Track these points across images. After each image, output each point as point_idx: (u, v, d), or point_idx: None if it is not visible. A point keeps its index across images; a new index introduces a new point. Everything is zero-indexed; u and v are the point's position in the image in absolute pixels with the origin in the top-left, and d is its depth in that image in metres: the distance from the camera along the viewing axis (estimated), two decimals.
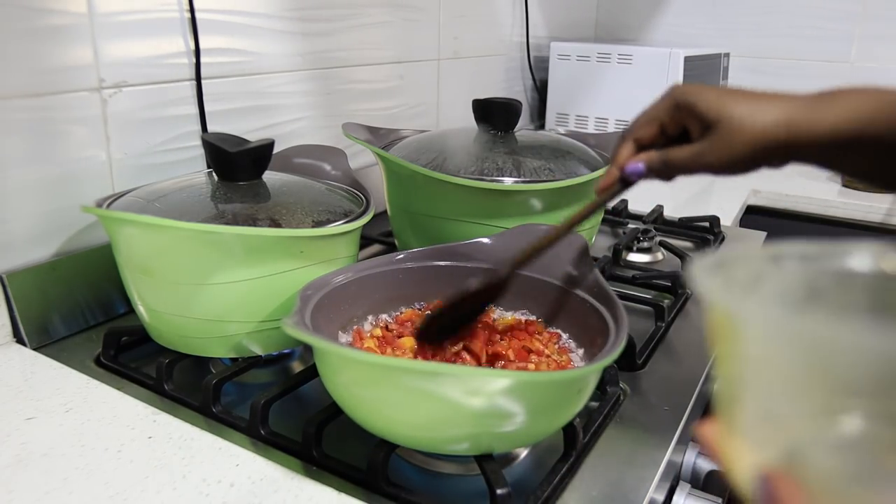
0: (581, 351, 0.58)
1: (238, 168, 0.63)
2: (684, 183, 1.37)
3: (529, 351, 0.57)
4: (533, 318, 0.63)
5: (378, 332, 0.60)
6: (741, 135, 0.46)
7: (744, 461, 0.22)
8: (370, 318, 0.62)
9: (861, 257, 0.24)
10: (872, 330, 0.18)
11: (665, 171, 0.51)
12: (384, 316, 0.63)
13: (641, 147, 0.52)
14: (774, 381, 0.21)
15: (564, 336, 0.61)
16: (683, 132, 0.51)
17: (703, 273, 0.22)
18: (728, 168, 0.48)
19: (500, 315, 0.64)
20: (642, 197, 1.23)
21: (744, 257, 0.25)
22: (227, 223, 0.57)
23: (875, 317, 0.25)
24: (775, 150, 0.46)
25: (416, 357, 0.55)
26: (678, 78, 1.41)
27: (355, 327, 0.61)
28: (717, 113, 0.47)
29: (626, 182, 0.52)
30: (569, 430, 0.51)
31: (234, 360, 0.63)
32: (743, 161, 0.47)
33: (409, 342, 0.57)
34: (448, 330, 0.57)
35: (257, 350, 0.61)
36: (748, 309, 0.21)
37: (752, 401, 0.22)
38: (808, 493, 0.20)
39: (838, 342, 0.19)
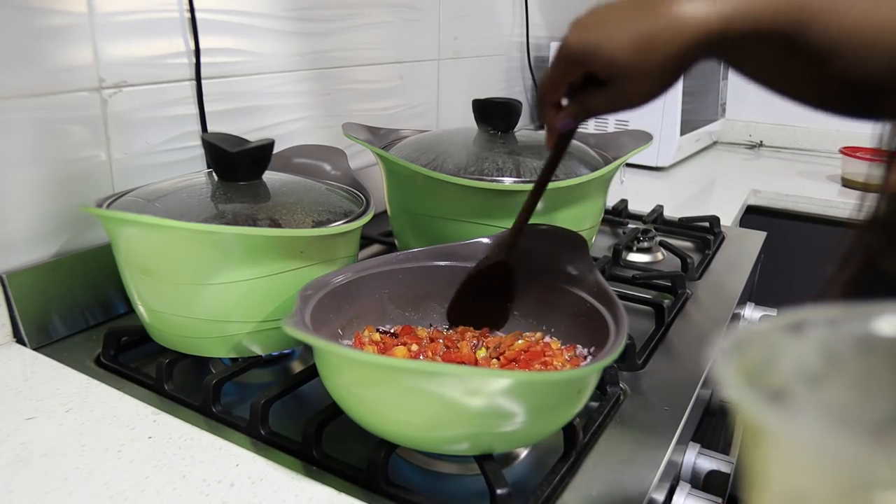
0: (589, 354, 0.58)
1: (238, 168, 0.63)
2: (684, 183, 1.37)
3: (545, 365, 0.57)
4: (549, 339, 0.62)
5: (377, 336, 0.60)
6: (644, 79, 0.47)
7: None
8: (369, 320, 0.62)
9: (883, 321, 0.23)
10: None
11: (588, 117, 0.54)
12: (383, 327, 0.64)
13: (558, 105, 0.55)
14: (794, 489, 0.21)
15: (580, 347, 0.60)
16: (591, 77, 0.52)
17: (728, 371, 0.21)
18: (646, 99, 0.50)
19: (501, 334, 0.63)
20: (642, 197, 1.23)
21: (759, 333, 0.24)
22: (227, 223, 0.57)
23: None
24: (689, 59, 0.47)
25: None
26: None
27: (355, 332, 0.61)
28: (616, 69, 0.47)
29: (563, 136, 0.56)
30: (569, 430, 0.51)
31: (234, 360, 0.63)
32: (658, 86, 0.48)
33: (401, 352, 0.57)
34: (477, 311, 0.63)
35: (257, 350, 0.61)
36: (773, 423, 0.20)
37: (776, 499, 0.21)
38: None
39: (858, 465, 0.19)
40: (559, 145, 0.56)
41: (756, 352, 0.23)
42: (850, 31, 0.41)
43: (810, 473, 0.20)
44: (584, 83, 0.51)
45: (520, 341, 0.60)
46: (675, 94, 1.42)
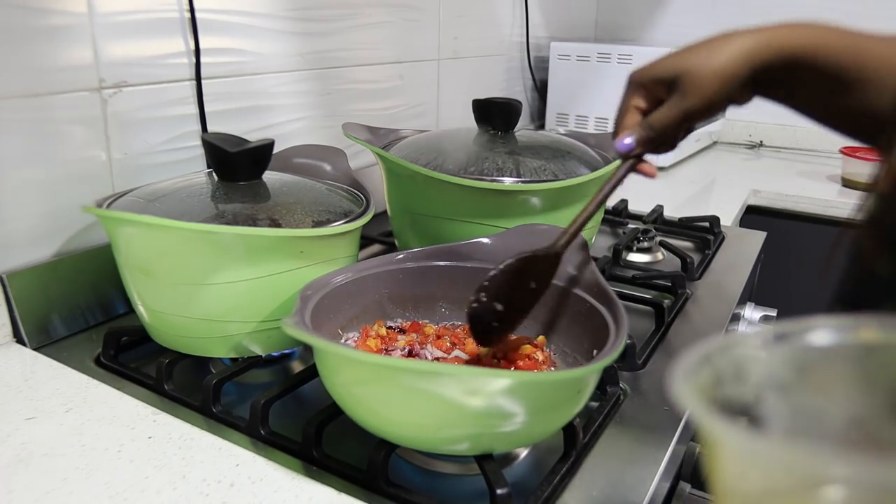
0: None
1: (238, 168, 0.63)
2: (684, 183, 1.37)
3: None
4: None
5: (383, 331, 0.60)
6: (703, 74, 0.50)
7: None
8: (369, 320, 0.62)
9: (835, 331, 0.25)
10: (827, 455, 0.19)
11: (653, 136, 0.54)
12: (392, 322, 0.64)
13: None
14: (749, 492, 0.22)
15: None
16: (660, 104, 0.54)
17: (684, 379, 0.23)
18: (704, 109, 0.51)
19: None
20: (642, 197, 1.23)
21: (727, 346, 0.26)
22: (227, 223, 0.57)
23: (861, 387, 0.26)
24: (738, 82, 0.50)
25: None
26: None
27: (363, 325, 0.61)
28: (675, 68, 0.51)
29: (625, 158, 0.55)
30: (569, 430, 0.51)
31: (234, 360, 0.63)
32: (714, 97, 0.50)
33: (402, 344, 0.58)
34: (501, 321, 0.57)
35: (257, 350, 0.61)
36: (720, 432, 0.22)
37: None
38: None
39: (808, 468, 0.20)
40: (616, 175, 0.56)
41: (724, 364, 0.25)
42: (875, 66, 0.46)
43: (758, 476, 0.22)
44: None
45: (528, 346, 0.60)
46: None
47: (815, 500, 0.21)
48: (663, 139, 0.54)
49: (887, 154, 0.35)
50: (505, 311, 0.56)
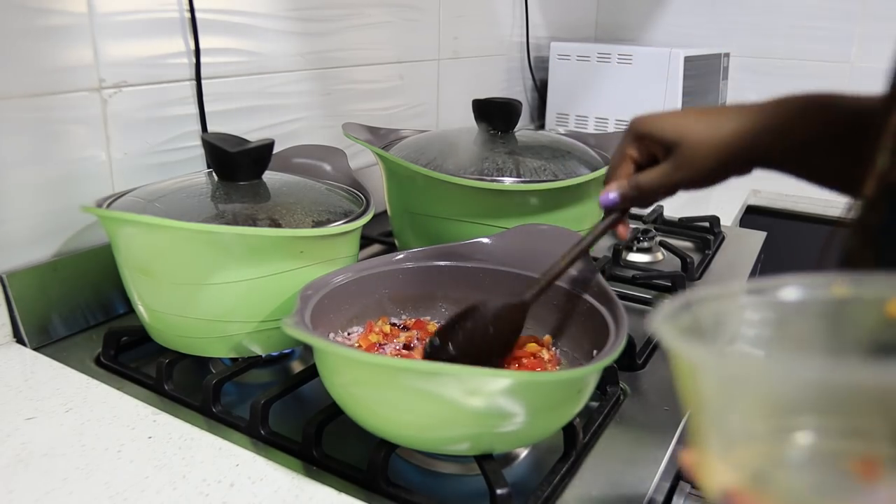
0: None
1: (238, 168, 0.63)
2: None
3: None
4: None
5: (387, 328, 0.61)
6: (701, 149, 0.49)
7: (717, 483, 0.24)
8: (369, 320, 0.62)
9: (810, 287, 0.27)
10: (811, 366, 0.21)
11: (638, 196, 0.54)
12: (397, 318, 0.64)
13: None
14: (730, 413, 0.24)
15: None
16: (650, 158, 0.54)
17: (663, 320, 0.25)
18: (695, 182, 0.51)
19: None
20: None
21: (711, 297, 0.27)
22: (227, 223, 0.57)
23: (833, 341, 0.27)
24: (735, 159, 0.49)
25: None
26: (678, 78, 1.42)
27: (368, 321, 0.61)
28: (676, 133, 0.51)
29: (608, 212, 0.55)
30: (569, 430, 0.51)
31: (234, 360, 0.63)
32: (707, 173, 0.50)
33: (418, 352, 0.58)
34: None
35: (257, 350, 0.61)
36: (699, 356, 0.24)
37: (716, 431, 0.25)
38: None
39: (776, 375, 0.22)
40: (599, 227, 0.55)
41: (705, 313, 0.26)
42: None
43: (730, 395, 0.24)
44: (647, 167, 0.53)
45: (532, 343, 0.60)
46: (675, 94, 1.42)
47: (788, 444, 0.23)
48: (648, 200, 0.55)
49: (872, 159, 0.35)
50: (468, 354, 0.53)
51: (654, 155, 0.53)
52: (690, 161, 0.50)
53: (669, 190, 0.53)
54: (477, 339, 0.54)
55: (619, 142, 0.56)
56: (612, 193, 0.54)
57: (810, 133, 0.47)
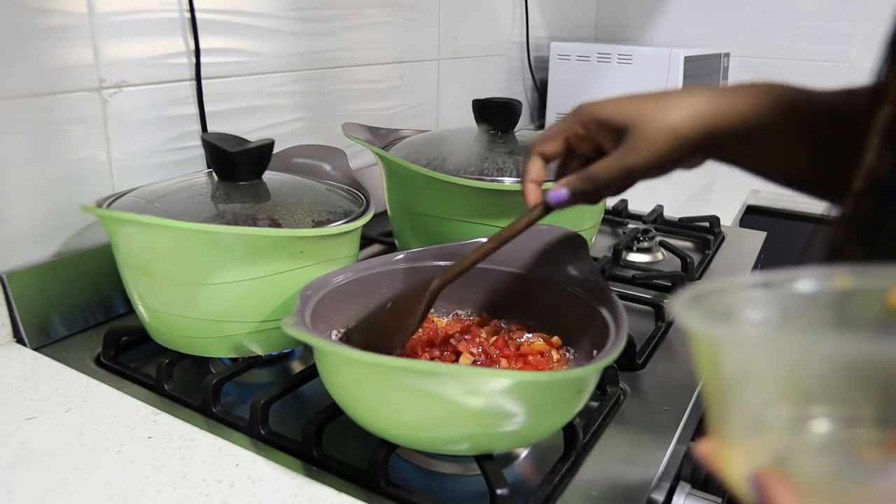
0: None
1: (238, 168, 0.63)
2: (684, 183, 1.37)
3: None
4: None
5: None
6: (657, 132, 0.46)
7: (738, 470, 0.25)
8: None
9: (816, 279, 0.27)
10: (829, 339, 0.22)
11: (591, 190, 0.49)
12: None
13: (548, 162, 0.52)
14: (752, 397, 0.25)
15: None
16: (597, 151, 0.50)
17: (684, 306, 0.25)
18: (650, 168, 0.47)
19: (529, 339, 0.62)
20: (642, 197, 1.23)
21: (720, 289, 0.27)
22: (227, 223, 0.57)
23: (839, 331, 0.28)
24: (692, 143, 0.46)
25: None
26: (678, 78, 1.42)
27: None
28: (628, 117, 0.47)
29: (549, 208, 0.51)
30: (569, 430, 0.51)
31: (234, 360, 0.63)
32: (663, 158, 0.47)
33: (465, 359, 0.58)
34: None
35: (257, 350, 0.61)
36: (722, 334, 0.25)
37: (737, 416, 0.25)
38: (798, 491, 0.23)
39: (798, 352, 0.23)
40: (531, 217, 0.51)
41: (716, 303, 0.27)
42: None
43: (752, 377, 0.24)
44: (589, 161, 0.50)
45: (540, 341, 0.60)
46: None
47: (807, 431, 0.24)
48: (600, 194, 0.50)
49: (861, 155, 0.35)
50: (363, 339, 0.55)
51: (599, 145, 0.50)
52: (645, 144, 0.46)
53: (623, 179, 0.48)
54: (372, 323, 0.57)
55: (560, 121, 0.51)
56: (564, 189, 0.50)
57: (770, 120, 0.45)
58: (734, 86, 0.47)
